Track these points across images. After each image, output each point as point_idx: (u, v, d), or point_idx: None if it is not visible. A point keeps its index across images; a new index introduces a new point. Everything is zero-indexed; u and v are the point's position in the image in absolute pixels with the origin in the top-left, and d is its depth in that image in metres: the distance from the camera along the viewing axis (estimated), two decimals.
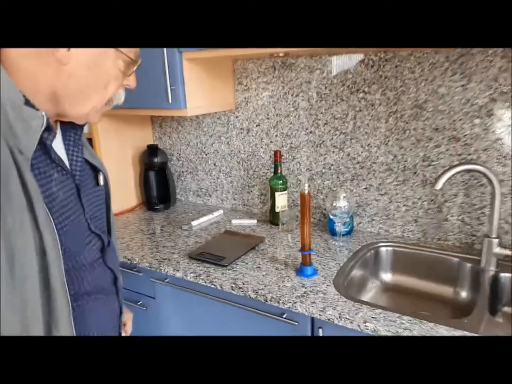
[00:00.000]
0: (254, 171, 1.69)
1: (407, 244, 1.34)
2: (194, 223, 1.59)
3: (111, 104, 0.73)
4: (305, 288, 1.07)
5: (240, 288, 1.09)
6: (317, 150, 1.50)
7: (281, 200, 1.53)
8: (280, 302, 1.02)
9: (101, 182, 0.82)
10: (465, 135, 1.22)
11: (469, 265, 1.21)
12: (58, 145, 0.71)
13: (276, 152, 1.50)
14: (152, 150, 1.79)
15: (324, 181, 1.52)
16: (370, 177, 1.42)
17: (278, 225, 1.52)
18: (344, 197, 1.34)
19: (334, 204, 1.34)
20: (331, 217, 1.35)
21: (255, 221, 1.60)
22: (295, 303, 1.00)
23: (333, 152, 1.47)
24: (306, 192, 1.09)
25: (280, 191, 1.52)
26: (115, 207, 1.77)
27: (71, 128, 0.74)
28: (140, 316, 1.36)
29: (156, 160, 1.78)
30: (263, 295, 1.05)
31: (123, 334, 0.94)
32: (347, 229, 1.41)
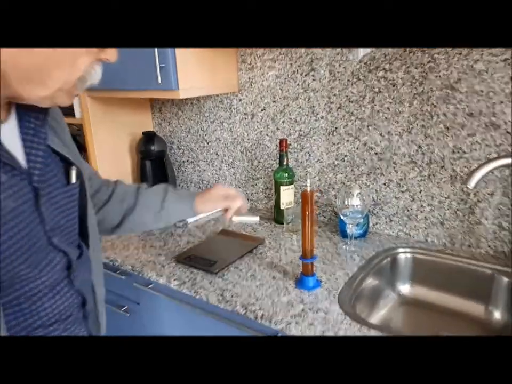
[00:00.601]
0: (259, 162, 1.53)
1: (431, 251, 1.15)
2: (189, 219, 1.44)
3: (84, 83, 0.57)
4: (304, 304, 0.91)
5: (227, 301, 0.94)
6: (329, 138, 1.32)
7: (287, 195, 1.36)
8: (273, 321, 0.86)
9: (73, 178, 0.66)
10: (507, 121, 1.02)
11: (505, 279, 1.02)
12: (11, 136, 0.57)
13: (281, 140, 1.33)
14: (149, 137, 1.66)
15: (337, 175, 1.34)
16: (390, 171, 1.23)
17: (282, 224, 1.36)
18: (358, 194, 1.16)
19: (345, 202, 1.16)
20: (341, 216, 1.18)
21: (257, 219, 1.45)
22: (289, 323, 0.85)
23: (347, 141, 1.29)
24: (308, 189, 0.92)
25: (286, 185, 1.35)
26: None
27: (31, 112, 0.59)
28: (124, 322, 1.24)
29: (153, 148, 1.64)
30: (253, 311, 0.90)
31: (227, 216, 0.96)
32: (360, 231, 1.24)
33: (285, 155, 1.34)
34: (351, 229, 1.17)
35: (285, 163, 1.35)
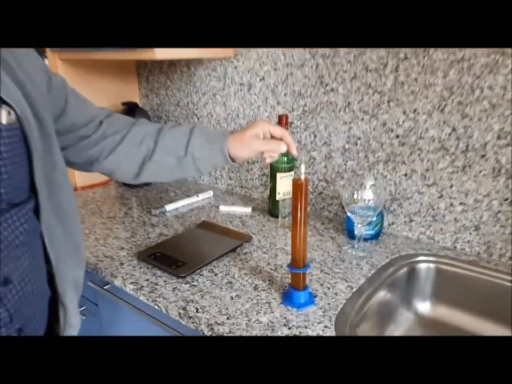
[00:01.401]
0: None
1: (460, 261, 0.92)
2: (169, 207, 1.23)
3: None
4: (289, 328, 0.70)
5: (190, 317, 0.73)
6: (339, 116, 1.09)
7: (284, 184, 1.14)
8: None
9: (3, 119, 0.50)
10: None
11: None
12: None
13: (280, 117, 1.10)
14: (130, 109, 1.44)
15: (347, 161, 1.11)
16: (413, 159, 0.99)
17: (277, 217, 1.14)
18: (372, 185, 0.93)
19: (355, 196, 0.94)
20: (348, 213, 0.95)
21: (249, 209, 1.23)
22: None
23: (362, 120, 1.05)
24: (302, 177, 0.70)
25: (284, 171, 1.13)
26: (83, 179, 1.49)
27: None
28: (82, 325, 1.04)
29: None
30: (221, 334, 0.68)
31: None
32: (372, 232, 1.01)
33: None
34: (359, 229, 0.95)
35: None
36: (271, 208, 1.19)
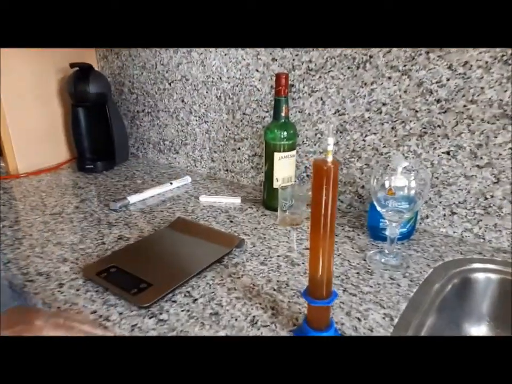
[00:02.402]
0: (244, 114, 1.03)
1: None
2: (133, 198, 0.96)
3: None
4: None
5: None
6: (357, 74, 0.83)
7: (285, 167, 0.88)
8: None
9: None
10: None
11: None
12: None
13: (278, 77, 0.83)
14: (82, 72, 1.15)
15: (366, 135, 0.85)
16: (460, 131, 0.74)
17: (276, 210, 0.88)
18: (405, 169, 0.69)
19: (384, 182, 0.69)
20: (378, 207, 0.70)
21: (238, 200, 0.97)
22: None
23: (389, 78, 0.79)
24: (329, 159, 0.44)
25: (283, 150, 0.87)
26: (27, 163, 1.20)
27: None
28: None
29: (87, 89, 1.14)
30: None
31: None
32: (404, 230, 0.77)
33: (284, 102, 0.85)
34: (393, 230, 0.70)
35: (283, 114, 0.86)
36: (267, 198, 0.93)
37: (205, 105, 1.11)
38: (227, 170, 1.13)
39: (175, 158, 1.25)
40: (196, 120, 1.14)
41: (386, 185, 0.69)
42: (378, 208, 0.70)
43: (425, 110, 0.77)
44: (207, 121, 1.12)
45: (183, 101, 1.15)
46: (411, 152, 0.81)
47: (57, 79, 1.22)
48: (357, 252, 0.75)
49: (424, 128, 0.78)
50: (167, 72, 1.16)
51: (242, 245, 0.76)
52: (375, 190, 0.70)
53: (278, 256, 0.74)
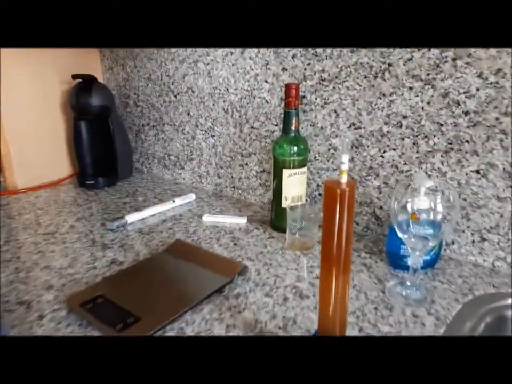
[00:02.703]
0: (252, 127, 0.97)
1: None
2: (131, 217, 0.90)
3: None
4: None
5: None
6: (374, 84, 0.76)
7: (295, 185, 0.81)
8: None
9: None
10: None
11: None
12: None
13: (288, 87, 0.77)
14: (85, 84, 1.10)
15: (384, 151, 0.78)
16: (492, 147, 0.66)
17: (284, 232, 0.81)
18: (428, 189, 0.61)
19: (406, 204, 0.61)
20: (399, 233, 0.62)
21: (244, 220, 0.90)
22: None
23: (411, 89, 0.72)
24: (343, 180, 0.37)
25: (293, 167, 0.80)
26: (27, 178, 1.15)
27: None
28: None
29: (90, 102, 1.09)
30: None
31: None
32: (428, 257, 0.68)
33: (294, 114, 0.78)
34: (417, 260, 0.61)
35: (293, 128, 0.79)
36: (275, 219, 0.86)
37: (211, 118, 1.05)
38: (234, 187, 1.06)
39: (180, 173, 1.19)
40: (202, 134, 1.08)
41: (409, 207, 0.61)
42: (400, 234, 0.62)
43: (451, 123, 0.69)
44: (214, 135, 1.06)
45: (188, 114, 1.10)
46: (435, 170, 0.73)
47: (60, 91, 1.18)
48: (374, 282, 0.67)
49: (450, 143, 0.70)
50: (172, 83, 1.10)
51: (245, 273, 0.68)
52: (396, 213, 0.62)
53: (286, 286, 0.66)
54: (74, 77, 1.08)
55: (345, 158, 0.38)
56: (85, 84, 1.10)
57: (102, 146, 1.16)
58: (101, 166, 1.18)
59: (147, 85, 1.17)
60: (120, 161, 1.18)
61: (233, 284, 0.66)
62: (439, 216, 0.60)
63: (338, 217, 0.37)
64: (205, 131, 1.07)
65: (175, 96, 1.11)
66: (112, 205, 1.02)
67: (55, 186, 1.17)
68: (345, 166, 0.38)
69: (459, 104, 0.68)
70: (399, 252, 0.70)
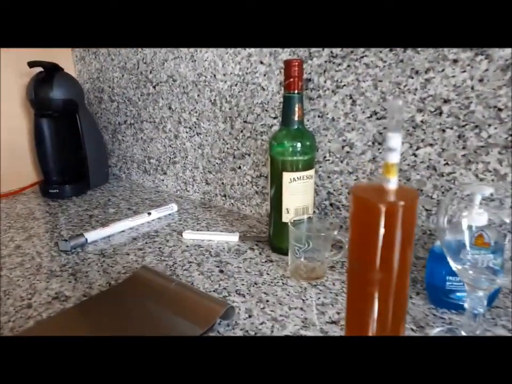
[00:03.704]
0: (245, 122, 0.79)
1: None
2: (92, 235, 0.72)
3: None
4: None
5: None
6: (403, 58, 0.58)
7: (299, 193, 0.63)
8: None
9: None
10: None
11: None
12: None
13: (288, 64, 0.59)
14: (46, 74, 0.93)
15: (417, 147, 0.59)
16: None
17: (286, 254, 0.62)
18: (487, 200, 0.42)
19: (460, 219, 0.42)
20: (452, 264, 0.43)
21: (235, 238, 0.71)
22: None
23: (455, 61, 0.54)
24: (391, 187, 0.18)
25: (296, 169, 0.62)
26: None
27: None
28: None
29: (51, 95, 0.92)
30: None
31: None
32: (481, 295, 0.49)
33: (297, 100, 0.60)
34: (479, 303, 0.42)
35: (295, 118, 0.61)
36: (274, 236, 0.67)
37: (196, 112, 0.87)
38: (225, 195, 0.88)
39: (163, 180, 1.00)
40: (186, 132, 0.90)
41: (463, 225, 0.43)
42: (452, 265, 0.43)
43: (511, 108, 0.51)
44: (200, 133, 0.88)
45: (170, 108, 0.92)
46: (490, 172, 0.54)
47: (21, 84, 1.01)
48: (412, 328, 0.48)
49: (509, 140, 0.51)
50: (150, 72, 0.93)
51: (231, 316, 0.49)
52: (444, 233, 0.43)
53: (287, 335, 0.47)
54: (31, 64, 0.91)
55: (395, 140, 0.19)
56: (46, 73, 0.93)
57: (69, 149, 0.99)
58: (68, 171, 1.00)
59: (122, 76, 1.00)
60: (92, 166, 1.00)
61: (213, 333, 0.47)
62: (507, 238, 0.42)
63: (390, 240, 0.19)
64: (189, 128, 0.89)
65: (154, 87, 0.93)
66: (75, 219, 0.84)
67: (14, 196, 0.99)
68: (394, 157, 0.19)
69: None
70: (444, 285, 0.51)
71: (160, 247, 0.70)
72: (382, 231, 0.19)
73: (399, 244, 0.20)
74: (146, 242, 0.72)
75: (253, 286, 0.57)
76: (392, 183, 0.19)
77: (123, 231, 0.77)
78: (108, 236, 0.74)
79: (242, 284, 0.58)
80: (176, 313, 0.48)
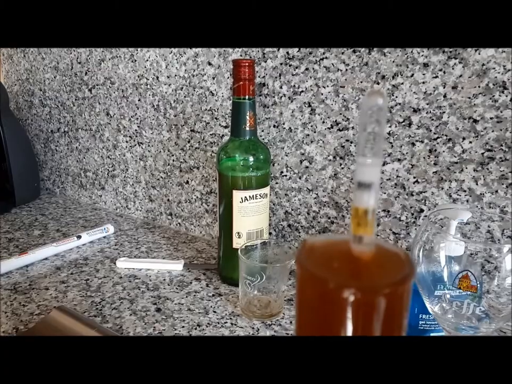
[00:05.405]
0: (193, 131, 0.70)
1: None
2: (4, 265, 0.61)
3: None
4: None
5: None
6: (368, 60, 0.52)
7: (251, 214, 0.55)
8: None
9: None
10: None
11: None
12: None
13: (237, 64, 0.51)
14: None
15: (384, 162, 0.53)
16: None
17: (237, 285, 0.54)
18: (460, 225, 0.36)
19: (438, 249, 0.36)
20: (428, 306, 0.36)
21: (179, 267, 0.62)
22: None
23: (426, 65, 0.48)
24: (363, 252, 0.10)
25: (249, 187, 0.54)
26: None
27: None
28: None
29: None
30: None
31: None
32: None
33: (249, 107, 0.53)
34: None
35: (247, 128, 0.53)
36: (223, 265, 0.59)
37: (137, 119, 0.78)
38: (171, 214, 0.79)
39: (101, 196, 0.90)
40: (126, 142, 0.81)
41: (442, 259, 0.36)
42: (429, 307, 0.36)
43: (490, 118, 0.45)
44: (141, 143, 0.79)
45: (108, 114, 0.82)
46: (464, 191, 0.48)
47: None
48: None
49: (489, 150, 0.46)
50: (86, 73, 0.83)
51: None
52: (421, 268, 0.37)
53: None
54: None
55: (370, 170, 0.12)
56: None
57: None
58: None
59: (55, 77, 0.89)
60: (18, 180, 0.88)
61: None
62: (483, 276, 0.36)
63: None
64: (130, 137, 0.80)
65: (90, 90, 0.83)
66: None
67: None
68: (369, 198, 0.12)
69: (504, 88, 0.44)
70: (416, 324, 0.44)
71: (88, 279, 0.60)
72: (349, 328, 0.12)
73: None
74: (71, 273, 0.62)
75: (195, 328, 0.49)
76: (366, 244, 0.12)
77: (46, 259, 0.66)
78: (25, 265, 0.63)
79: (182, 327, 0.49)
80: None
